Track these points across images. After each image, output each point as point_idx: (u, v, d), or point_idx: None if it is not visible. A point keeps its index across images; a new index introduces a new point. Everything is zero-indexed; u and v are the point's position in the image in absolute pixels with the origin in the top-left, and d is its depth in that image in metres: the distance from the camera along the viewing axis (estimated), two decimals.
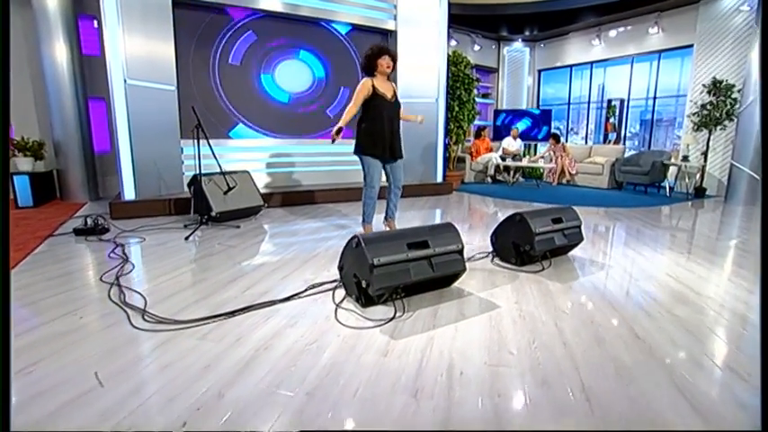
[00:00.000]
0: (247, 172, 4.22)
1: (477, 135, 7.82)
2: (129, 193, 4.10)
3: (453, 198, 5.75)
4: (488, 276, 2.41)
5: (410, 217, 4.39)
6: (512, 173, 7.69)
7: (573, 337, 1.65)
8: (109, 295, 2.02)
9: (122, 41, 3.88)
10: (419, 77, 5.86)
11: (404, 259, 1.89)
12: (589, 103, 8.68)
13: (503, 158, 7.73)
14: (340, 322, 1.77)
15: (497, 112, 9.23)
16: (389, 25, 5.81)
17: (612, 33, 7.85)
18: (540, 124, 8.85)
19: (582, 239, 2.77)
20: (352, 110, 3.07)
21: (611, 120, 8.01)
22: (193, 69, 4.80)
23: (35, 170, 4.74)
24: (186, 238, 3.22)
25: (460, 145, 6.63)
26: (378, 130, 3.11)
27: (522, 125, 8.93)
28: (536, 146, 9.28)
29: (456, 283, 2.24)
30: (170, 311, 1.86)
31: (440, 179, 6.11)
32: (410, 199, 5.48)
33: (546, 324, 1.76)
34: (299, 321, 1.79)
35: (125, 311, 1.84)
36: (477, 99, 9.20)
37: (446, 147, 6.51)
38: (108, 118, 4.02)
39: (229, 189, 3.79)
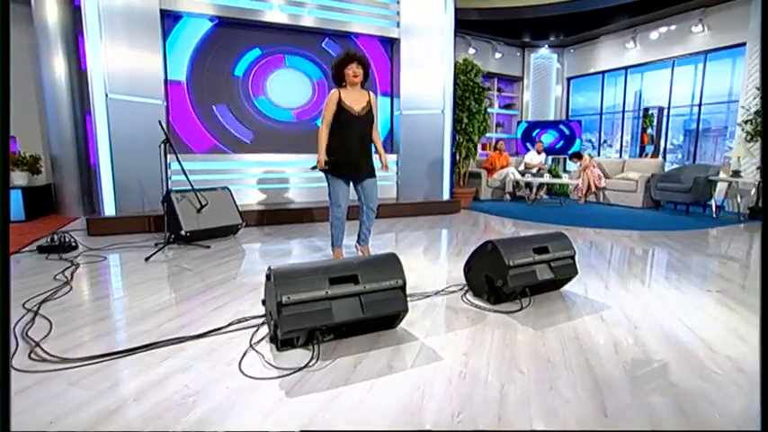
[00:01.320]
0: (227, 188, 4.16)
1: (494, 149, 7.47)
2: (108, 209, 4.15)
3: (459, 217, 5.43)
4: (448, 317, 2.12)
5: (401, 239, 4.15)
6: (533, 189, 7.26)
7: (516, 409, 1.34)
8: (14, 326, 1.92)
9: (104, 54, 3.99)
10: (424, 88, 5.67)
11: (323, 297, 1.66)
12: (624, 112, 8.11)
13: (522, 173, 7.32)
14: (241, 370, 1.56)
15: (522, 124, 8.84)
16: (393, 33, 5.69)
17: (651, 35, 7.32)
18: (568, 136, 8.37)
19: (575, 273, 2.41)
20: (323, 131, 2.92)
21: (649, 130, 7.40)
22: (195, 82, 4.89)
23: (31, 184, 4.96)
24: (146, 259, 3.16)
25: (471, 160, 6.32)
26: (343, 147, 2.92)
27: (548, 138, 8.48)
28: (565, 160, 8.77)
29: (404, 324, 1.97)
30: (66, 346, 1.72)
31: (446, 196, 5.82)
32: (411, 218, 5.24)
33: (489, 388, 1.46)
34: (194, 365, 1.59)
35: (17, 345, 1.73)
36: (499, 110, 8.89)
37: (454, 161, 6.24)
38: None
39: (202, 207, 3.72)
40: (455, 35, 5.65)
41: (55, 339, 1.80)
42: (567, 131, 8.40)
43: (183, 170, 3.59)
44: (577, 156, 7.26)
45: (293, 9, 5.14)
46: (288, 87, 5.45)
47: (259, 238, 4.07)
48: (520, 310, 2.18)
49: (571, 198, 7.40)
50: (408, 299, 2.24)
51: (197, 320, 2.03)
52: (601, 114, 8.47)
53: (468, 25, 7.80)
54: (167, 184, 3.56)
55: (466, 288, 2.47)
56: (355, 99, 2.96)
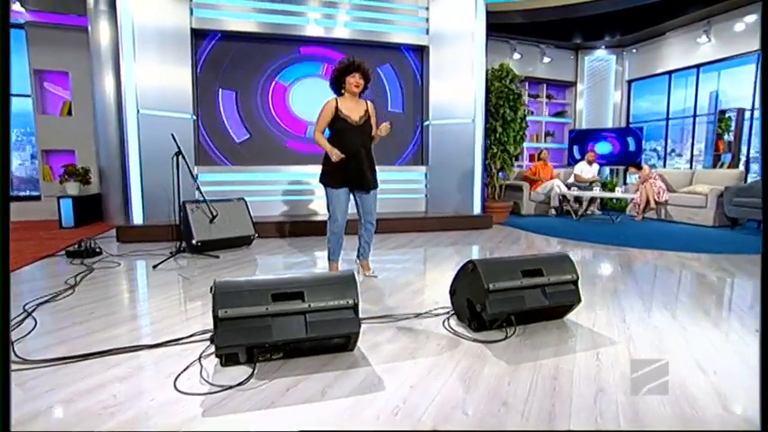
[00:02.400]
0: (243, 200, 4.34)
1: (537, 160, 7.06)
2: (137, 218, 4.52)
3: (489, 233, 5.17)
4: (418, 342, 1.99)
5: (411, 255, 4.04)
6: (584, 204, 6.74)
7: None
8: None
9: (137, 72, 4.40)
10: (453, 96, 5.56)
11: (263, 313, 1.64)
12: (695, 116, 7.29)
13: (570, 186, 6.83)
14: (175, 383, 1.57)
15: (573, 133, 8.31)
16: (422, 41, 5.67)
17: (730, 26, 6.55)
18: (627, 146, 7.71)
19: (577, 301, 2.16)
20: (319, 137, 2.94)
21: (725, 136, 6.57)
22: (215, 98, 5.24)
23: (82, 194, 5.57)
24: (154, 267, 3.37)
25: (508, 172, 6.02)
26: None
27: (603, 147, 7.88)
28: (625, 171, 8.07)
29: (365, 347, 1.89)
30: (36, 347, 1.87)
31: (477, 211, 5.59)
32: (436, 233, 5.09)
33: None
34: (136, 375, 1.64)
35: None
36: (548, 118, 8.44)
37: (487, 173, 6.00)
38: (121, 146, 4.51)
39: (213, 217, 3.91)
40: (487, 39, 5.48)
41: (32, 340, 1.96)
42: (625, 140, 7.73)
43: (195, 180, 3.81)
44: (637, 166, 6.64)
45: (327, 22, 5.34)
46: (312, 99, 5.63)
47: (271, 250, 4.18)
48: (504, 339, 1.99)
49: (628, 214, 6.75)
50: (383, 320, 2.16)
51: (167, 329, 2.10)
52: (667, 120, 7.69)
53: (511, 29, 7.54)
54: (180, 194, 3.78)
55: (452, 312, 2.31)
56: (353, 108, 2.95)
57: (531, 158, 7.43)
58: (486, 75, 5.77)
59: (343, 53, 5.46)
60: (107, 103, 5.42)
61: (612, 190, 6.66)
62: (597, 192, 6.39)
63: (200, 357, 1.78)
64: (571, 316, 2.29)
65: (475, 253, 4.24)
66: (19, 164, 6.40)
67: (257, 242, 4.38)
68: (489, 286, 1.97)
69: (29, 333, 2.03)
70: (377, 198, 3.07)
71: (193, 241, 3.77)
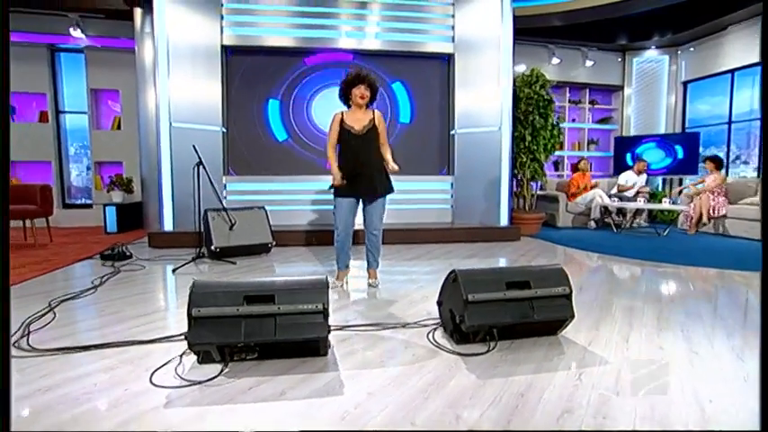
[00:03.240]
0: (263, 208, 4.57)
1: (576, 170, 6.78)
2: (167, 225, 4.91)
3: (515, 246, 5.04)
4: (394, 351, 2.02)
5: (422, 267, 4.04)
6: (628, 216, 6.39)
7: None
8: (28, 317, 2.41)
9: (170, 87, 4.82)
10: (479, 104, 5.54)
11: (234, 314, 1.75)
12: (763, 119, 6.65)
13: (614, 197, 6.49)
14: (151, 376, 1.71)
15: (619, 140, 7.90)
16: (447, 49, 5.71)
17: None
18: (681, 153, 7.21)
19: (569, 316, 2.08)
20: (330, 153, 3.11)
21: None
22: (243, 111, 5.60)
23: (125, 202, 6.13)
24: (173, 270, 3.65)
25: (539, 181, 5.85)
26: (345, 167, 3.03)
27: (654, 155, 7.43)
28: (680, 181, 7.53)
29: (341, 353, 1.96)
30: (48, 338, 2.11)
31: (504, 222, 5.47)
32: (458, 245, 5.05)
33: None
34: (120, 367, 1.81)
35: (15, 333, 2.17)
36: (592, 125, 8.09)
37: (517, 183, 5.87)
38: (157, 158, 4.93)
39: (232, 225, 4.16)
40: (514, 45, 5.42)
41: (46, 331, 2.22)
42: (680, 146, 7.22)
43: (214, 189, 4.08)
44: (715, 161, 6.01)
45: (359, 34, 5.59)
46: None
47: (288, 258, 4.35)
48: (485, 352, 1.96)
49: (680, 227, 6.27)
50: (369, 328, 2.23)
51: (167, 327, 2.29)
52: (729, 123, 7.09)
53: (550, 33, 7.37)
54: (201, 203, 4.07)
55: (440, 324, 2.31)
56: (357, 119, 3.06)
57: (574, 168, 7.13)
58: (515, 81, 5.69)
59: (369, 63, 5.65)
60: (149, 118, 5.94)
61: (660, 201, 6.22)
62: (642, 203, 6.01)
63: (181, 354, 1.92)
64: (569, 333, 2.21)
65: (490, 266, 4.15)
66: (76, 174, 7.16)
67: (277, 250, 4.58)
68: (468, 297, 1.96)
69: (45, 325, 2.29)
70: (384, 208, 3.13)
71: (212, 247, 4.03)
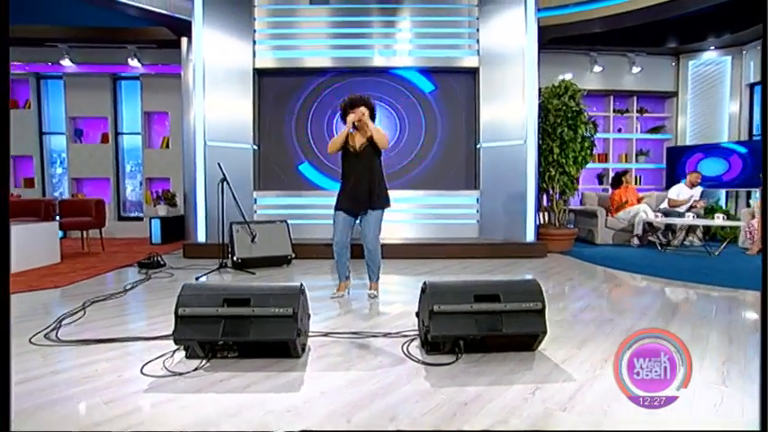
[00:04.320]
0: (285, 222, 4.93)
1: (617, 183, 6.53)
2: (200, 237, 5.42)
3: (539, 263, 4.98)
4: (364, 357, 2.20)
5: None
6: (678, 233, 6.05)
7: None
8: (63, 314, 2.86)
9: (206, 107, 5.38)
10: (504, 117, 5.60)
11: (214, 314, 2.03)
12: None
13: (663, 213, 6.18)
14: (143, 366, 2.02)
15: (673, 151, 7.51)
16: (472, 62, 5.85)
17: None
18: (746, 163, 6.72)
19: (541, 330, 2.13)
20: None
21: None
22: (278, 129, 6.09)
23: (169, 215, 6.82)
24: (196, 278, 4.07)
25: (569, 196, 5.74)
26: (343, 182, 3.32)
27: (713, 166, 6.98)
28: (748, 194, 7.00)
29: (315, 356, 2.17)
30: (74, 331, 2.53)
31: (531, 238, 5.43)
32: (478, 261, 5.09)
33: (293, 426, 1.55)
34: (123, 358, 2.14)
35: (50, 326, 2.61)
36: (641, 135, 7.75)
37: (547, 197, 5.81)
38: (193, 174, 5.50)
39: (254, 237, 4.55)
40: (539, 56, 5.44)
41: (73, 326, 2.64)
42: (747, 156, 6.72)
43: (237, 203, 4.51)
44: None
45: (389, 53, 5.94)
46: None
47: (305, 270, 4.64)
48: (451, 363, 2.08)
49: (741, 246, 5.83)
50: (351, 336, 2.44)
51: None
52: None
53: (590, 40, 7.25)
54: (224, 216, 4.50)
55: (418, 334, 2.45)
56: (357, 138, 3.33)
57: (613, 182, 6.85)
58: (542, 93, 5.69)
59: (392, 81, 5.93)
60: (191, 136, 6.62)
61: (713, 216, 5.83)
62: (689, 219, 5.68)
63: (174, 350, 2.23)
64: (548, 349, 2.25)
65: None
66: (131, 190, 8.06)
67: (297, 262, 4.90)
68: (434, 308, 2.10)
69: (74, 322, 2.72)
70: (378, 222, 3.33)
71: (235, 258, 4.43)
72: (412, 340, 2.40)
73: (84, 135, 7.75)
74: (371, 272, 3.40)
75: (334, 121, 6.07)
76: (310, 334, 2.39)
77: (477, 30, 5.77)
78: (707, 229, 6.34)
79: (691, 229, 6.18)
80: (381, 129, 3.33)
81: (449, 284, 2.22)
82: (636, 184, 7.71)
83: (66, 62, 7.09)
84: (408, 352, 2.25)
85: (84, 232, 5.78)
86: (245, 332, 2.01)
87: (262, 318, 2.03)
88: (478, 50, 5.79)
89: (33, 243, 4.53)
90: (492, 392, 1.81)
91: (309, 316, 2.38)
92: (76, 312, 2.91)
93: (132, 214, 7.96)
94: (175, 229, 6.86)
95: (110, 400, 1.72)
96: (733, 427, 1.30)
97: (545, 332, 2.14)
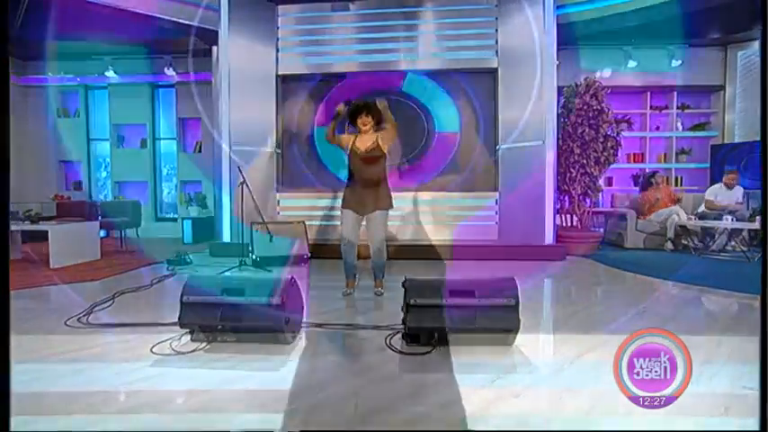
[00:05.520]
0: (303, 223, 5.30)
1: (647, 184, 6.41)
2: (226, 236, 5.91)
3: (555, 266, 5.05)
4: (344, 346, 2.49)
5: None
6: (716, 237, 5.89)
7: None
8: (95, 301, 3.33)
9: (231, 112, 5.87)
10: (523, 118, 5.70)
11: (213, 301, 2.37)
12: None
13: (699, 216, 6.03)
14: (153, 346, 2.40)
15: (720, 149, 7.25)
16: (491, 63, 5.99)
17: None
18: None
19: (514, 326, 2.31)
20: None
21: None
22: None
23: (199, 216, 7.41)
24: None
25: (593, 198, 5.73)
26: (349, 183, 3.61)
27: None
28: None
29: (302, 344, 2.46)
30: (100, 315, 2.98)
31: (549, 240, 5.49)
32: (492, 263, 5.23)
33: (249, 404, 1.84)
34: (138, 338, 2.53)
35: (83, 311, 3.07)
36: (682, 133, 7.53)
37: (569, 199, 5.84)
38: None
39: (272, 237, 4.94)
40: (558, 55, 5.51)
41: (100, 312, 3.09)
42: None
43: (256, 204, 4.91)
44: None
45: (412, 56, 6.23)
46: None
47: (321, 269, 4.95)
48: (425, 353, 2.30)
49: None
50: (344, 328, 2.73)
51: None
52: None
53: (625, 34, 7.17)
54: (243, 217, 4.92)
55: None
56: (363, 141, 3.61)
57: (643, 185, 6.71)
58: (563, 92, 5.73)
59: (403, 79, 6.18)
60: (219, 141, 7.19)
61: (754, 219, 5.63)
62: (727, 221, 5.52)
63: (182, 334, 2.59)
64: (526, 345, 2.40)
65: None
66: (167, 192, 8.79)
67: (316, 261, 5.25)
68: (411, 301, 2.33)
69: (102, 309, 3.18)
70: (383, 222, 3.59)
71: (253, 256, 4.84)
72: (397, 333, 2.64)
73: (126, 141, 8.54)
74: (378, 270, 3.66)
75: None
76: (304, 324, 2.69)
77: (497, 30, 5.91)
78: (754, 233, 6.10)
79: (734, 232, 5.98)
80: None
81: (427, 280, 2.44)
82: (676, 185, 7.51)
83: (110, 73, 7.90)
84: (390, 343, 2.49)
85: (122, 231, 6.43)
86: (238, 319, 2.34)
87: (254, 306, 2.34)
88: (497, 51, 5.93)
89: (77, 241, 5.15)
90: (452, 379, 2.02)
91: (303, 307, 2.67)
92: (106, 301, 3.38)
93: (168, 215, 8.67)
94: (206, 229, 7.43)
95: (119, 371, 2.10)
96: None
97: (518, 328, 2.32)
